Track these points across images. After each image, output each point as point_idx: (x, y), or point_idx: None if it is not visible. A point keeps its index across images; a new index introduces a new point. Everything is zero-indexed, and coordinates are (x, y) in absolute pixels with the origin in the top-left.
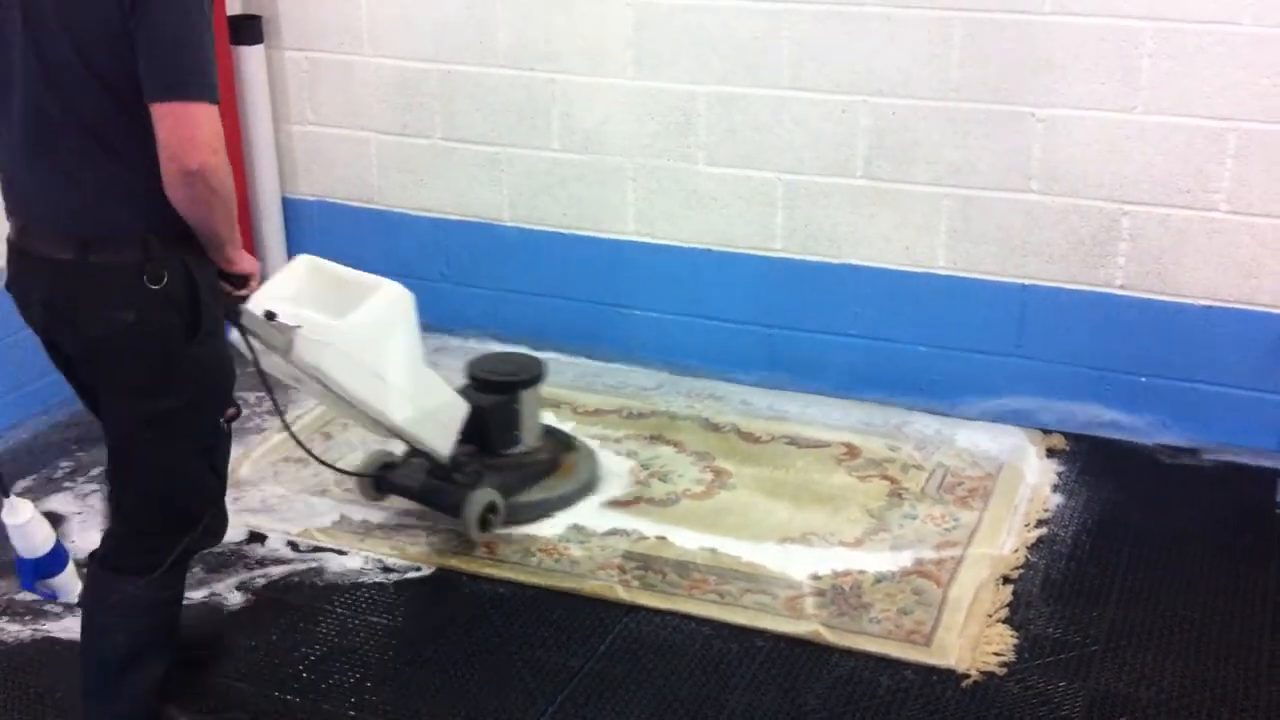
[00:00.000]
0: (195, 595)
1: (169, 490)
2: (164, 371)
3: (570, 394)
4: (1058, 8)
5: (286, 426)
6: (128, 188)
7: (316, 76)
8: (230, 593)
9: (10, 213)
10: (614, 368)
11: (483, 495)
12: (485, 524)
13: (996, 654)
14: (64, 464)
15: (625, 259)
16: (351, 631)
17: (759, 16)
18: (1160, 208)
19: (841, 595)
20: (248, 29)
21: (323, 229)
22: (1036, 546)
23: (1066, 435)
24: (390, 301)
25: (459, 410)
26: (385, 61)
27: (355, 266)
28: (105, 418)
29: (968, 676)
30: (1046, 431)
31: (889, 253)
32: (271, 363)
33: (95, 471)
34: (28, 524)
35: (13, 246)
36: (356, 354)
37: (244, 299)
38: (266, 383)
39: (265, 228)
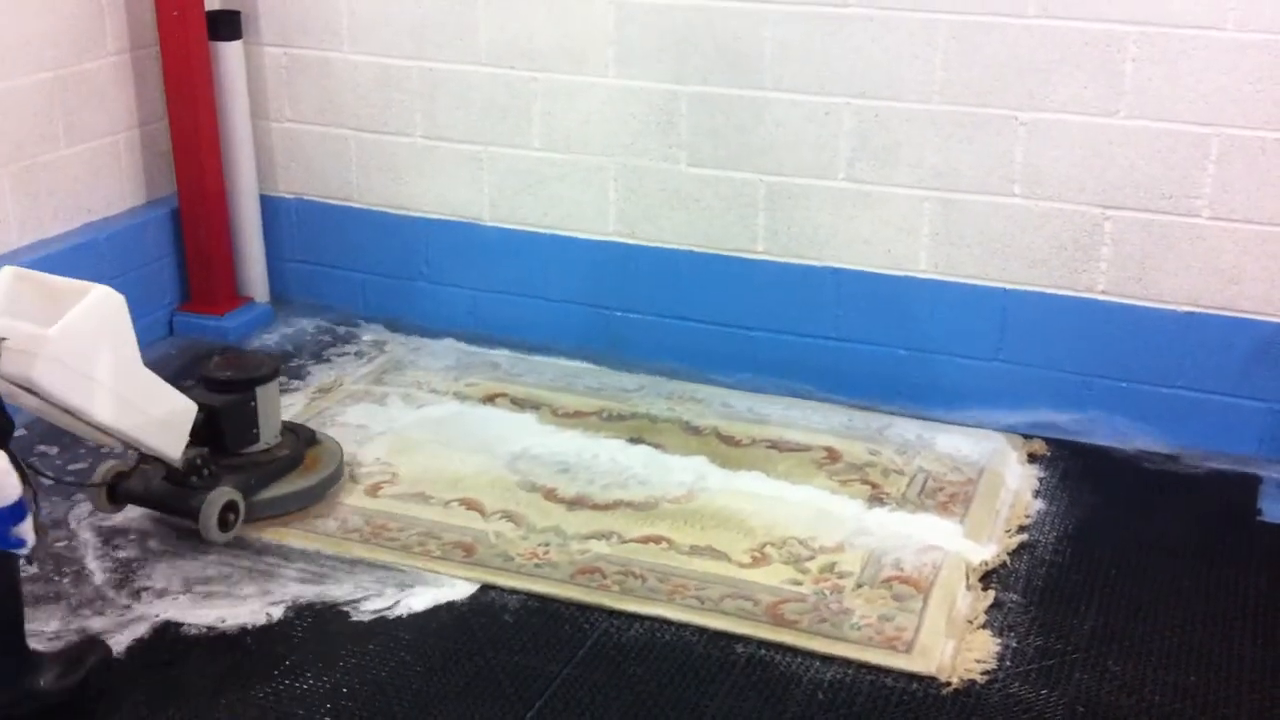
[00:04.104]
0: (185, 611)
1: None
2: None
3: (550, 395)
4: (1041, 11)
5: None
6: None
7: (295, 73)
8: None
9: None
10: (593, 369)
11: (220, 495)
12: (225, 524)
13: (978, 661)
14: None
15: (606, 260)
16: (327, 637)
17: (741, 16)
18: (1143, 213)
19: (822, 601)
20: (226, 24)
21: (301, 227)
22: (1018, 552)
23: (1047, 440)
24: (100, 305)
25: (187, 413)
26: (365, 58)
27: (333, 266)
28: None
29: (949, 684)
30: (1027, 436)
31: (871, 255)
32: None
33: None
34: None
35: None
36: (68, 361)
37: None
38: None
39: (243, 226)
